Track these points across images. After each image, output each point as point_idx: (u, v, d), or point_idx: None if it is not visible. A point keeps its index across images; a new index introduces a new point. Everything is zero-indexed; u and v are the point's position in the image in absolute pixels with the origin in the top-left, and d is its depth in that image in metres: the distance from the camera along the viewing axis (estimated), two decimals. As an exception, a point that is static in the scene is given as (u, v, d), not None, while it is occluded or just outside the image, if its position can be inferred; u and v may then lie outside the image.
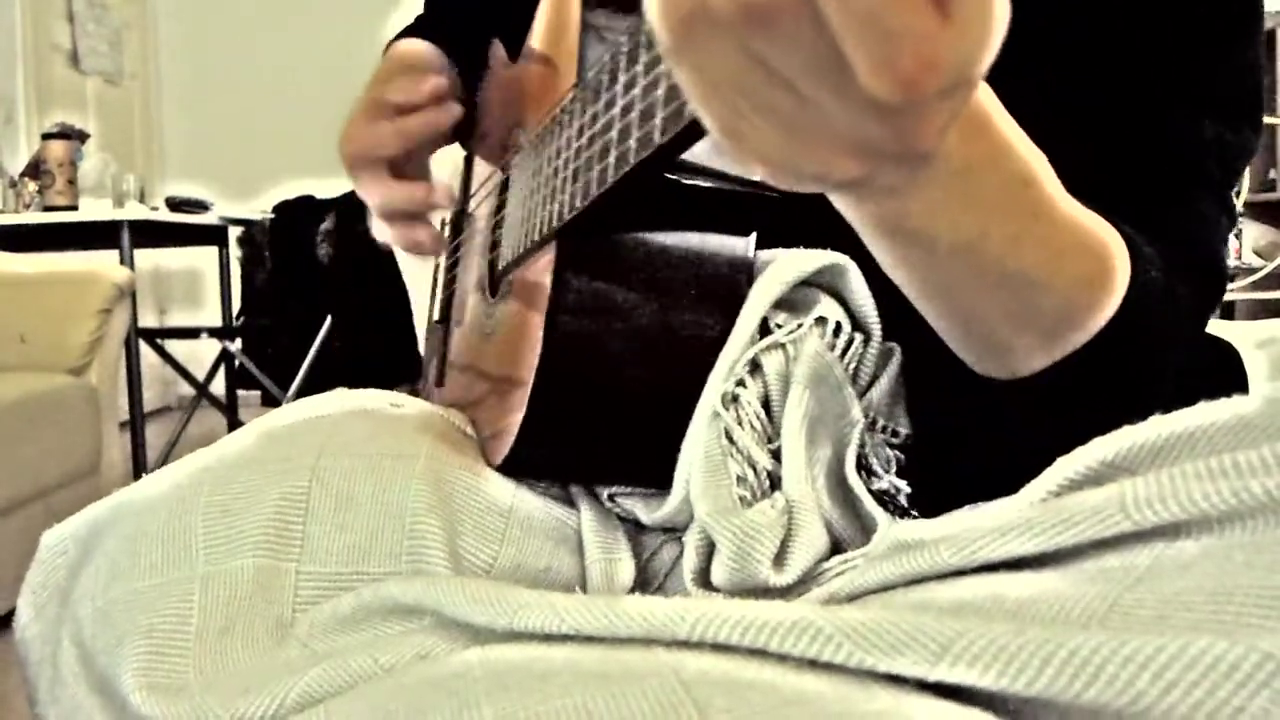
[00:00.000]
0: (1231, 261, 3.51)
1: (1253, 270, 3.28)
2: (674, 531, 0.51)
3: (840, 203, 0.36)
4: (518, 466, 0.52)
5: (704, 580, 0.44)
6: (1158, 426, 0.32)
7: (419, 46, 0.84)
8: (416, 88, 0.71)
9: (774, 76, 0.26)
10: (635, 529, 0.53)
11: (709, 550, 0.44)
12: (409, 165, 0.71)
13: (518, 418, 0.50)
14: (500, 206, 0.67)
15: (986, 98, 0.34)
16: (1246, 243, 3.69)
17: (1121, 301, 0.40)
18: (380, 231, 0.71)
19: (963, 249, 0.37)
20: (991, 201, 0.36)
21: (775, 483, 0.45)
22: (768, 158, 0.28)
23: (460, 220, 0.87)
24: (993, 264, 0.37)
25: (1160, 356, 0.44)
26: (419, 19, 0.90)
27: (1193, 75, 0.49)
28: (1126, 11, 0.48)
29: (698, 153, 0.45)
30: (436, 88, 0.71)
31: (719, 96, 0.27)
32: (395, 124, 0.69)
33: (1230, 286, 3.06)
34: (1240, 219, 3.49)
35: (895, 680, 0.28)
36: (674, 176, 0.44)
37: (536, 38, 0.64)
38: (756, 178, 0.30)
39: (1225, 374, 0.51)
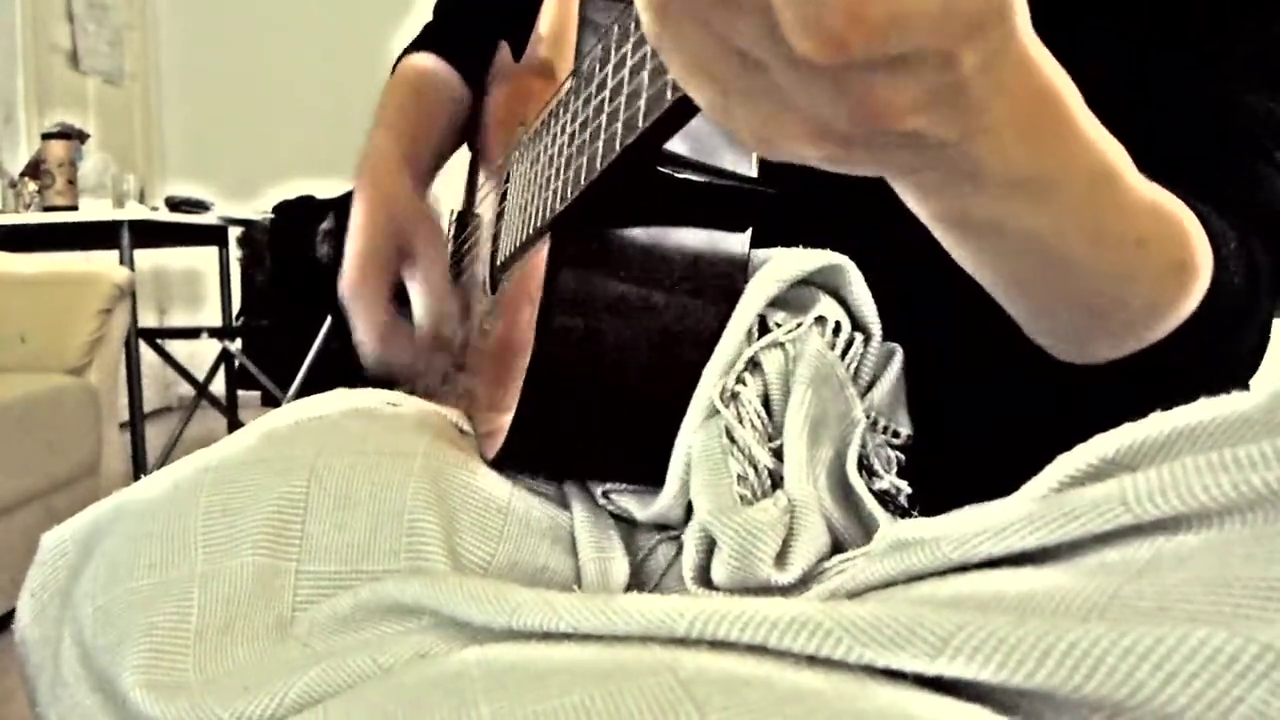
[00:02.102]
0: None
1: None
2: (669, 530, 0.51)
3: (897, 188, 0.35)
4: (511, 462, 0.52)
5: (704, 579, 0.44)
6: (1159, 422, 0.32)
7: (426, 62, 0.84)
8: (430, 274, 0.70)
9: (743, 54, 0.26)
10: (629, 527, 0.53)
11: (709, 548, 0.44)
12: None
13: (511, 414, 0.50)
14: (502, 203, 0.67)
15: (1066, 94, 0.32)
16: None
17: (1210, 285, 0.40)
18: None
19: (1037, 246, 0.36)
20: (1068, 203, 0.34)
21: (776, 482, 0.45)
22: (753, 136, 0.28)
23: (465, 219, 0.87)
24: (1071, 260, 0.37)
25: (1246, 331, 0.44)
26: (427, 27, 0.91)
27: (1239, 50, 0.49)
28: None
29: (692, 147, 0.45)
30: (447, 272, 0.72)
31: (701, 76, 0.27)
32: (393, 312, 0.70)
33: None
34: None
35: (894, 676, 0.28)
36: (668, 171, 0.44)
37: (540, 38, 0.64)
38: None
39: (1226, 373, 0.51)
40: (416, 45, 0.88)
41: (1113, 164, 0.35)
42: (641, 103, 0.35)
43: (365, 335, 0.68)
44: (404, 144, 0.77)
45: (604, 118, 0.40)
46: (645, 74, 0.35)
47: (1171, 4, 0.49)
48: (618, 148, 0.38)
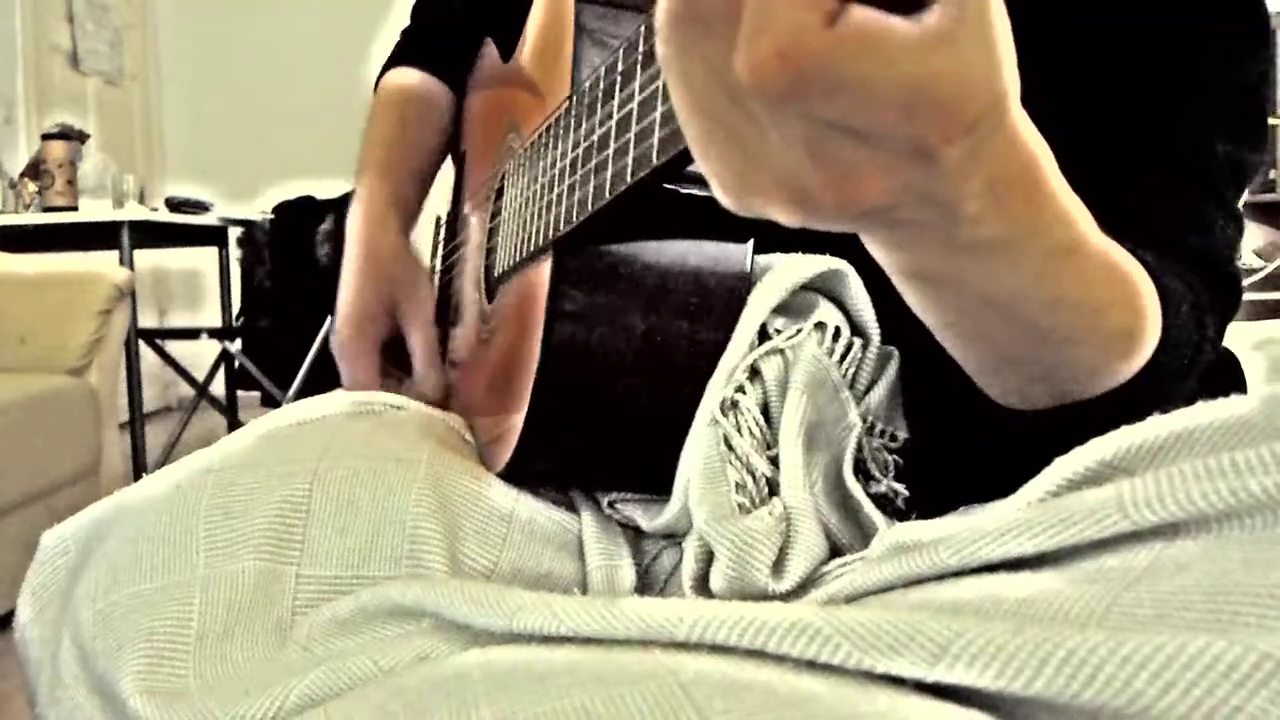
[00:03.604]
0: (1231, 262, 3.51)
1: (1253, 271, 3.28)
2: (674, 538, 0.51)
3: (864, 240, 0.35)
4: (518, 473, 0.52)
5: (703, 587, 0.44)
6: (1156, 426, 0.32)
7: (409, 80, 0.85)
8: (421, 325, 0.74)
9: (730, 86, 0.26)
10: (635, 535, 0.53)
11: (708, 557, 0.44)
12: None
13: (516, 424, 0.50)
14: (495, 212, 0.67)
15: (1043, 161, 0.31)
16: (1247, 243, 3.68)
17: (1155, 348, 0.40)
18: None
19: (993, 305, 0.36)
20: (1030, 268, 0.34)
21: (774, 489, 0.45)
22: (723, 186, 0.28)
23: (454, 224, 0.87)
24: (1026, 321, 0.36)
25: (1183, 385, 0.44)
26: (406, 32, 0.90)
27: (1203, 97, 0.49)
28: (1136, 34, 0.48)
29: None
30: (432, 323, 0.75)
31: (693, 104, 0.27)
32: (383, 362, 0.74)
33: (1230, 287, 3.06)
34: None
35: (893, 681, 0.28)
36: (671, 186, 0.44)
37: (529, 40, 0.64)
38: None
39: (1224, 378, 0.51)
40: (397, 56, 0.88)
41: (1079, 233, 0.35)
42: (654, 141, 0.35)
43: (352, 388, 0.72)
44: (390, 184, 0.80)
45: (611, 150, 0.40)
46: (657, 112, 0.35)
47: (1134, 48, 0.49)
48: (628, 179, 0.38)
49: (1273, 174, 3.75)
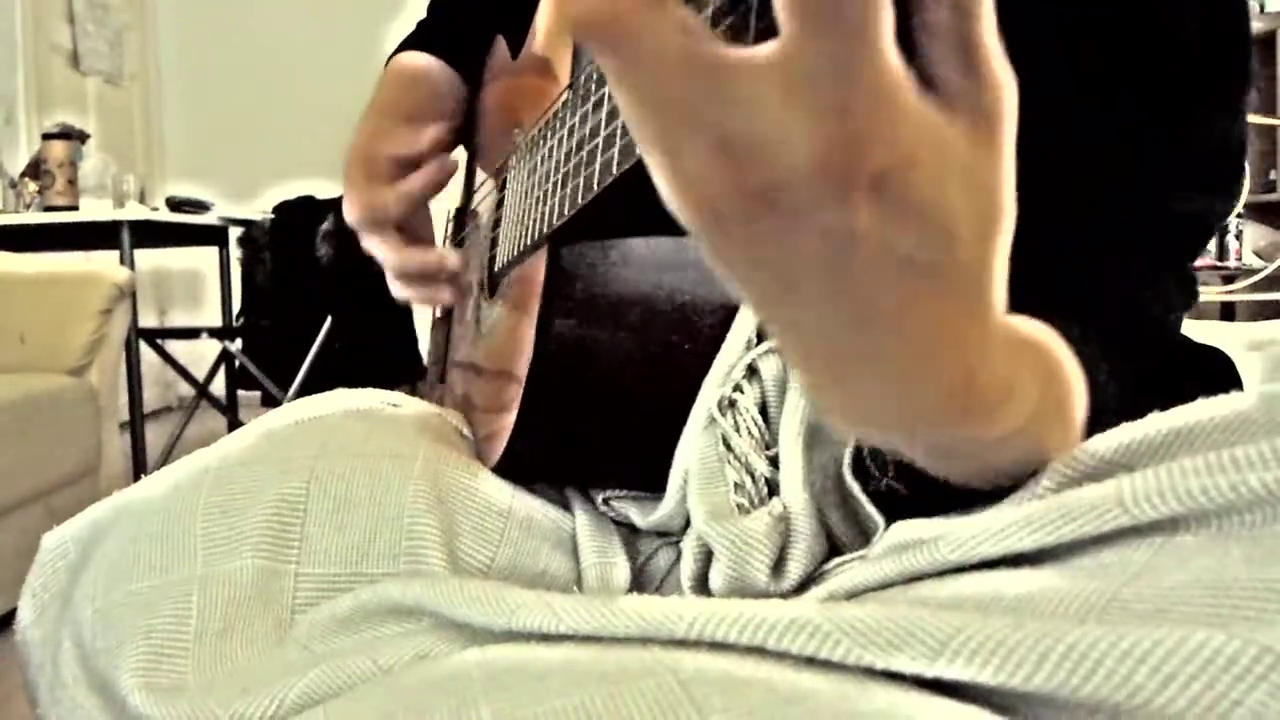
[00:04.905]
0: (1231, 262, 3.51)
1: (1253, 271, 3.28)
2: (669, 535, 0.51)
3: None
4: (512, 469, 0.52)
5: (702, 586, 0.44)
6: (1156, 423, 0.32)
7: (420, 60, 0.84)
8: (416, 139, 0.71)
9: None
10: (630, 532, 0.53)
11: (706, 556, 0.44)
12: (415, 217, 0.72)
13: (511, 420, 0.50)
14: (499, 206, 0.67)
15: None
16: (1246, 244, 3.69)
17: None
18: (400, 291, 0.72)
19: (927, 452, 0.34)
20: (982, 454, 0.33)
21: (773, 488, 0.45)
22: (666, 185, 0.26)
23: (462, 218, 0.87)
24: (962, 463, 0.35)
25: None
26: (421, 24, 0.90)
27: (1173, 150, 0.46)
28: (1102, 85, 0.45)
29: None
30: (436, 140, 0.71)
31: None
32: (397, 188, 0.70)
33: (1230, 287, 3.06)
34: (1240, 220, 3.48)
35: (893, 677, 0.28)
36: None
37: (536, 37, 0.64)
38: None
39: (1220, 381, 0.51)
40: (410, 43, 0.87)
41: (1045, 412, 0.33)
42: None
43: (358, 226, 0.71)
44: (397, 123, 0.77)
45: (600, 140, 0.40)
46: None
47: (1101, 96, 0.46)
48: (614, 172, 0.38)
49: (1272, 174, 3.76)
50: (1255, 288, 3.19)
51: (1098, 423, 0.36)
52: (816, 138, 0.22)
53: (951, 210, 0.24)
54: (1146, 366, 0.45)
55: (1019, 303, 0.33)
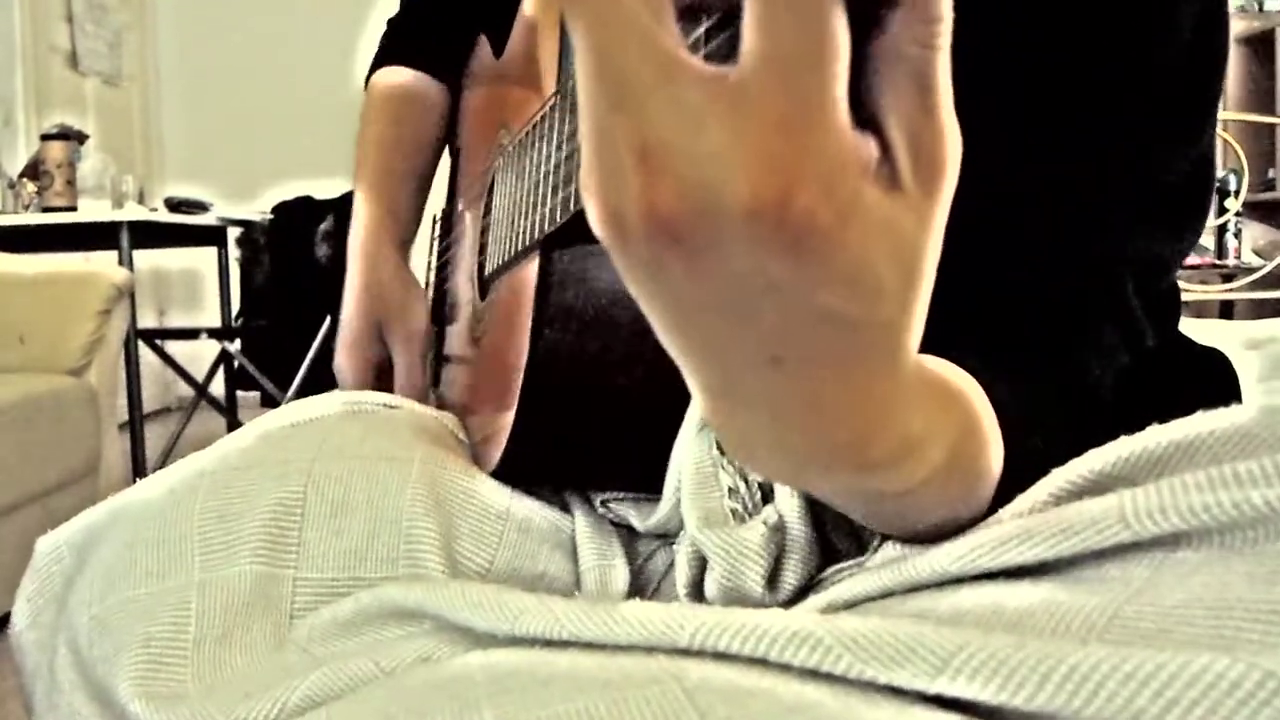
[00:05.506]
0: (1230, 260, 3.51)
1: (1252, 270, 3.28)
2: (667, 537, 0.51)
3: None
4: (510, 473, 0.51)
5: (697, 592, 0.43)
6: (1156, 436, 0.32)
7: (403, 79, 0.84)
8: (407, 351, 0.78)
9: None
10: (629, 534, 0.52)
11: (701, 563, 0.43)
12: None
13: (507, 424, 0.50)
14: (487, 209, 0.67)
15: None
16: (1246, 243, 3.69)
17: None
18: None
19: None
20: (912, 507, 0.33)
21: (767, 495, 0.44)
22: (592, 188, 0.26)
23: (449, 222, 0.87)
24: (863, 509, 0.35)
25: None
26: (394, 25, 0.89)
27: (1133, 189, 0.44)
28: (1060, 124, 0.44)
29: None
30: (423, 347, 0.79)
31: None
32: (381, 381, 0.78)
33: (1230, 286, 3.05)
34: (1240, 219, 3.48)
35: (896, 691, 0.28)
36: None
37: (520, 37, 0.64)
38: None
39: (1218, 386, 0.50)
40: (386, 53, 0.87)
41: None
42: None
43: None
44: (386, 198, 0.82)
45: None
46: None
47: (1069, 144, 0.44)
48: None
49: (1271, 172, 3.76)
50: (1254, 286, 3.18)
51: (1018, 481, 0.35)
52: (751, 169, 0.21)
53: (878, 270, 0.23)
54: (1141, 371, 0.44)
55: (944, 351, 0.33)
